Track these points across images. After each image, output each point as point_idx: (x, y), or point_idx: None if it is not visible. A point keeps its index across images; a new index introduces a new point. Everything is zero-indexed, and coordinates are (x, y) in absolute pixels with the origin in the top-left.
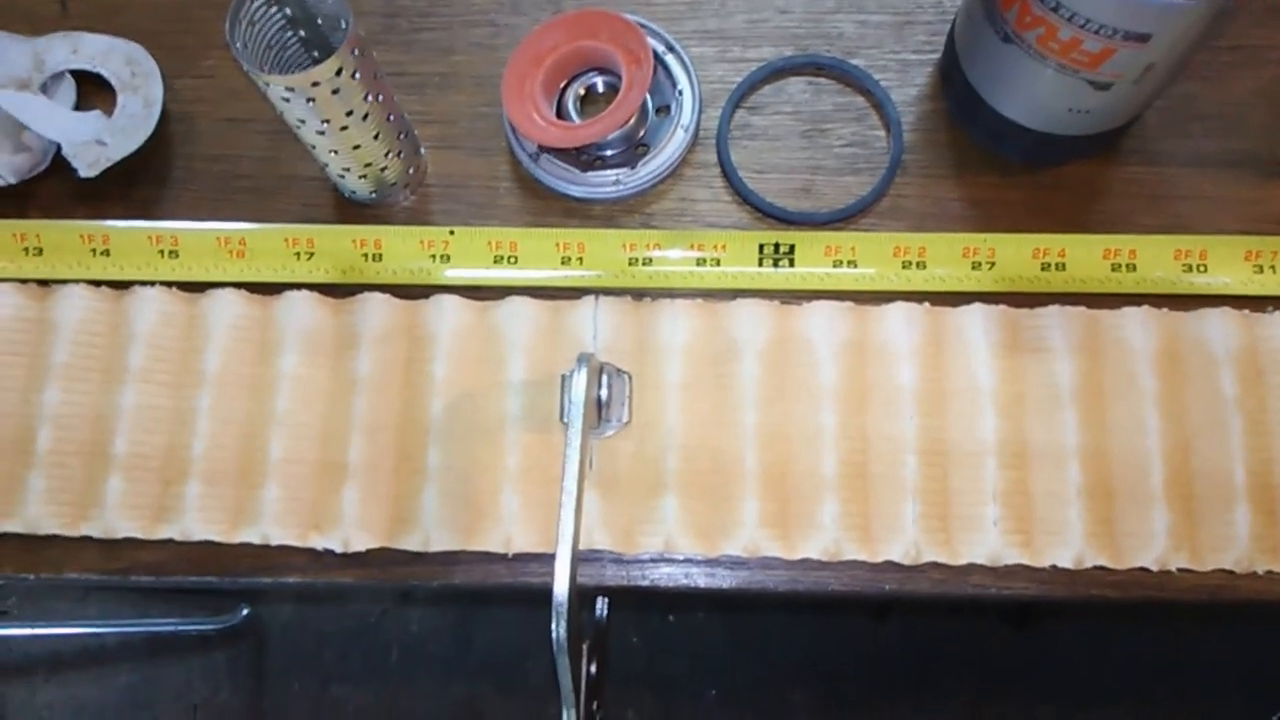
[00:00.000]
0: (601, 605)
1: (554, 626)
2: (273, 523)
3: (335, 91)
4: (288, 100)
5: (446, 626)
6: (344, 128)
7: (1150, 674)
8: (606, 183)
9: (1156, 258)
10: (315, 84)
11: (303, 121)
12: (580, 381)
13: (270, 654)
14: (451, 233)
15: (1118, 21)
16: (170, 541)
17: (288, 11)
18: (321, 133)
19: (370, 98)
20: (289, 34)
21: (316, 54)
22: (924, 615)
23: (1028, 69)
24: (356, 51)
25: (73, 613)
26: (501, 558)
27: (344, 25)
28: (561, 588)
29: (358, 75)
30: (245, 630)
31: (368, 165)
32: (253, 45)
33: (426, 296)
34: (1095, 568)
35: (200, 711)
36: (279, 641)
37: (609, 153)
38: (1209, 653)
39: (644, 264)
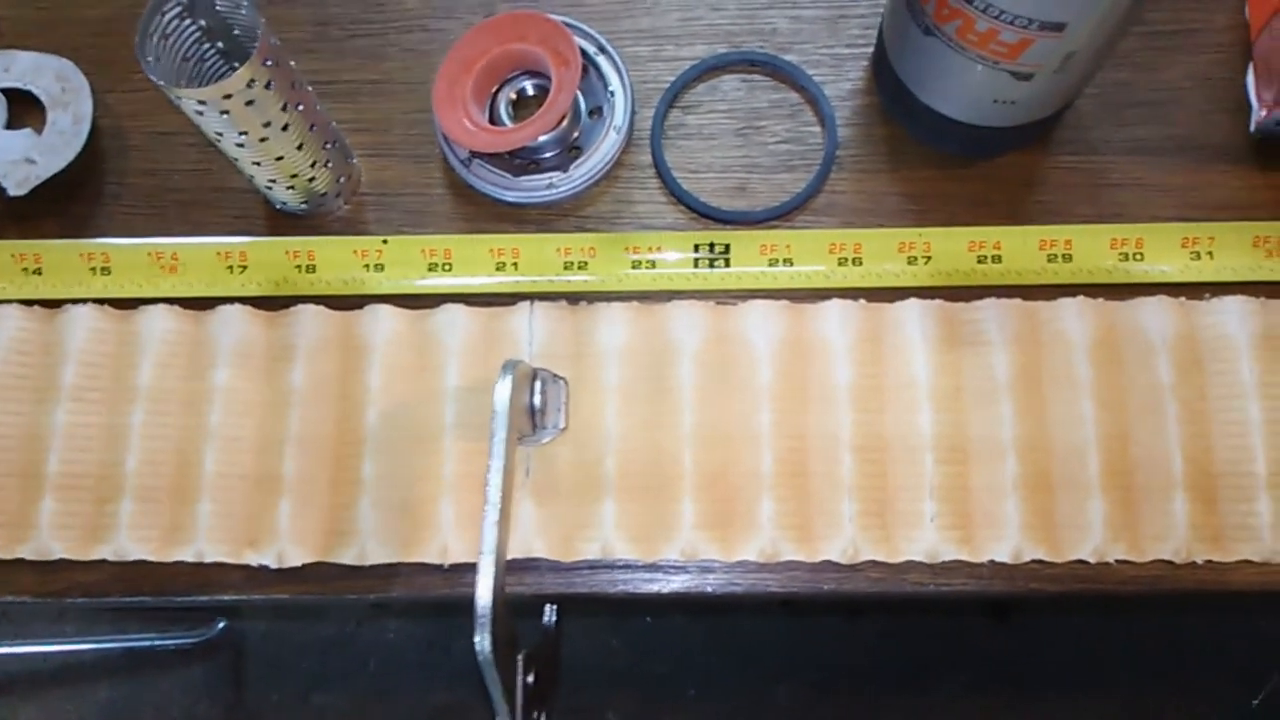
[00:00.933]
0: (550, 612)
1: (477, 638)
2: (206, 539)
3: (250, 103)
4: (201, 113)
5: (424, 634)
6: (263, 139)
7: (1132, 663)
8: (540, 187)
9: (1093, 247)
10: (227, 96)
11: (220, 134)
12: (504, 389)
13: (248, 665)
14: (385, 242)
15: (1032, 11)
16: (105, 562)
17: (203, 23)
18: (241, 145)
19: (289, 107)
20: (206, 46)
21: (236, 65)
22: (905, 611)
23: (950, 61)
24: (270, 61)
25: (49, 630)
26: (438, 569)
27: (257, 36)
28: (484, 599)
29: (273, 85)
30: (222, 643)
31: (294, 176)
32: (165, 59)
33: (361, 307)
34: (1033, 561)
35: None
36: (257, 653)
37: (542, 156)
38: (1191, 641)
39: (580, 268)
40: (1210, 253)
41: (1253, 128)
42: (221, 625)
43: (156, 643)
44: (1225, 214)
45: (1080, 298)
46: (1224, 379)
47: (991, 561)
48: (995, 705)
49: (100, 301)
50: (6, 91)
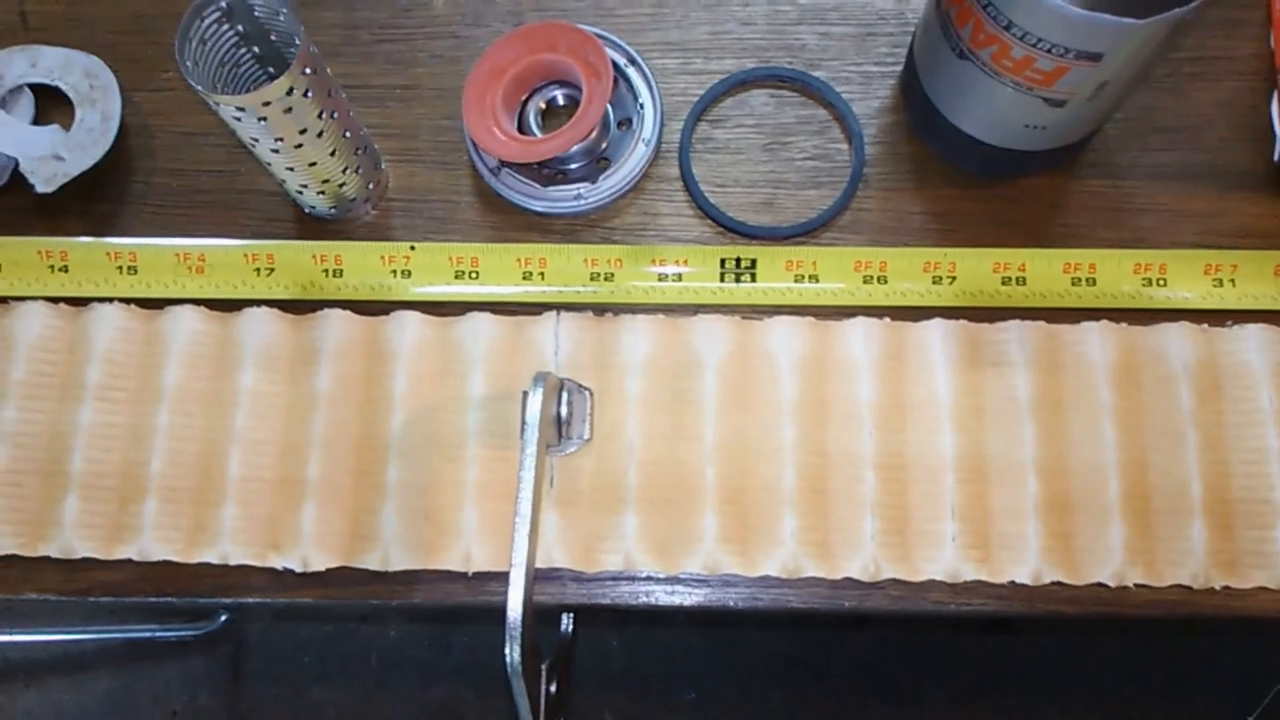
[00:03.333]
0: (567, 621)
1: (508, 650)
2: (231, 542)
3: (288, 110)
4: (239, 119)
5: (425, 630)
6: (299, 145)
7: (1125, 677)
8: (568, 197)
9: (1116, 272)
10: (266, 103)
11: (256, 140)
12: (535, 401)
13: (249, 659)
14: (412, 248)
15: (1069, 41)
16: (129, 561)
17: (240, 29)
18: (276, 150)
19: (325, 115)
20: (242, 51)
21: (272, 70)
22: (904, 620)
23: (983, 85)
24: (309, 70)
25: (51, 619)
26: (461, 576)
27: (296, 43)
28: (515, 612)
29: (310, 93)
30: (223, 636)
31: (325, 181)
32: (203, 64)
33: (387, 313)
34: (1053, 583)
35: (179, 717)
36: (257, 646)
37: (570, 167)
38: (1184, 656)
39: (606, 279)
40: (1233, 280)
41: (1277, 156)
42: (224, 618)
43: (157, 634)
44: (1247, 242)
45: (1103, 322)
46: (1243, 407)
47: (1011, 583)
48: (987, 716)
49: (126, 301)
50: (34, 87)
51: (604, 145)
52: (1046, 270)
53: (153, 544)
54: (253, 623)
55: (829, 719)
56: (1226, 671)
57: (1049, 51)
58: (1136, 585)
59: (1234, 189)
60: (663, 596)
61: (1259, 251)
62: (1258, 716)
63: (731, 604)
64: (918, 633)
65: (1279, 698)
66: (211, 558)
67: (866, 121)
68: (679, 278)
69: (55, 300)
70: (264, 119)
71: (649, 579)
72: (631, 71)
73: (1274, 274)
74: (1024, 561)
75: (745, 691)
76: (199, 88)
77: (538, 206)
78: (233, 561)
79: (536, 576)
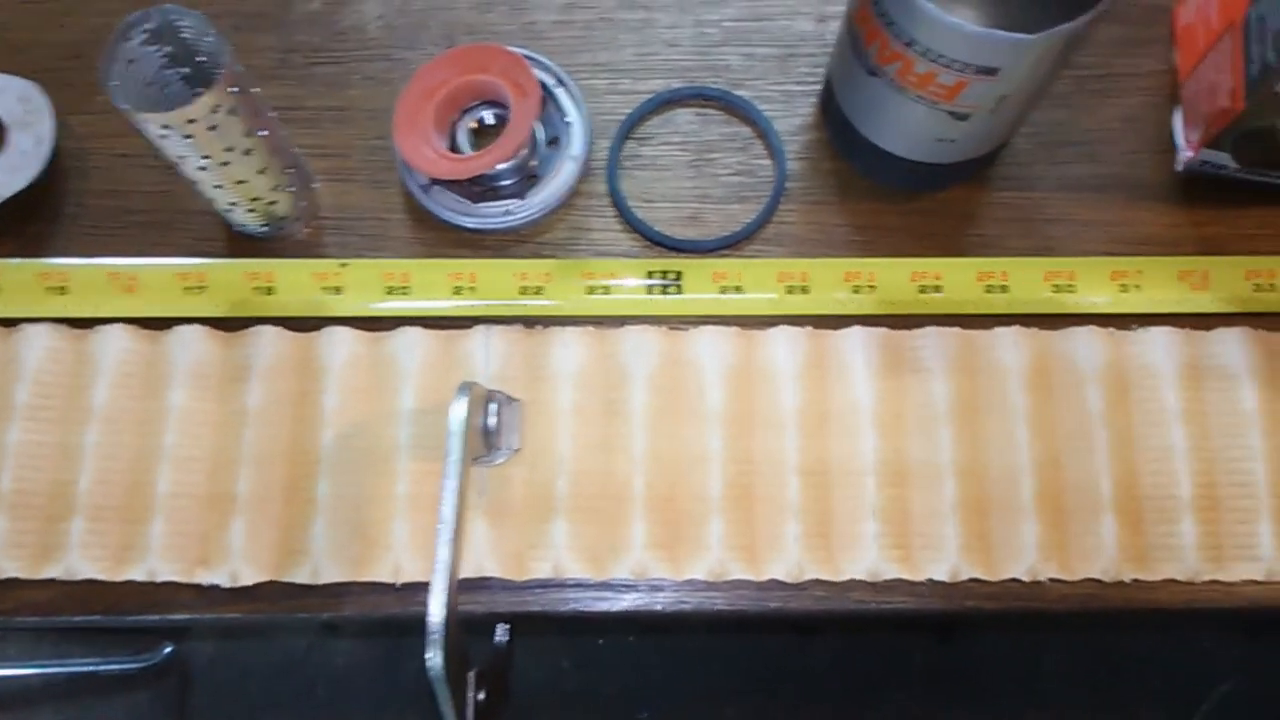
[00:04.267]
0: (502, 631)
1: (428, 654)
2: (159, 558)
3: (213, 128)
4: (165, 137)
5: (373, 658)
6: (225, 163)
7: (1074, 682)
8: (498, 213)
9: (1028, 279)
10: (191, 121)
11: (183, 158)
12: (460, 408)
13: (195, 691)
14: (344, 265)
15: (966, 56)
16: (55, 581)
17: (169, 49)
18: (203, 169)
19: (252, 133)
20: (170, 72)
21: (200, 90)
22: (852, 630)
23: (892, 101)
24: (235, 89)
25: None
26: (390, 588)
27: (222, 63)
28: (436, 616)
29: (236, 111)
30: (168, 668)
31: (255, 199)
32: (130, 83)
33: (319, 329)
34: (970, 580)
35: None
36: (203, 678)
37: (501, 184)
38: (1131, 660)
39: (535, 293)
40: (1138, 285)
41: (1179, 167)
42: (168, 650)
43: (101, 667)
44: (1152, 249)
45: (1016, 327)
46: (1149, 407)
47: (930, 580)
48: None
49: (56, 321)
50: None
51: (533, 162)
52: (962, 279)
53: (80, 562)
54: (198, 655)
55: None
56: (1171, 675)
57: (949, 67)
58: (1051, 580)
59: (1139, 199)
60: (591, 603)
61: (1163, 258)
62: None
63: (659, 608)
64: (868, 644)
65: (1222, 700)
66: (139, 575)
67: (788, 138)
68: (608, 290)
69: None
70: (190, 137)
71: (578, 585)
72: (560, 91)
73: (1177, 279)
74: (943, 560)
75: (699, 710)
76: (124, 106)
77: (469, 223)
78: (160, 578)
79: (467, 586)
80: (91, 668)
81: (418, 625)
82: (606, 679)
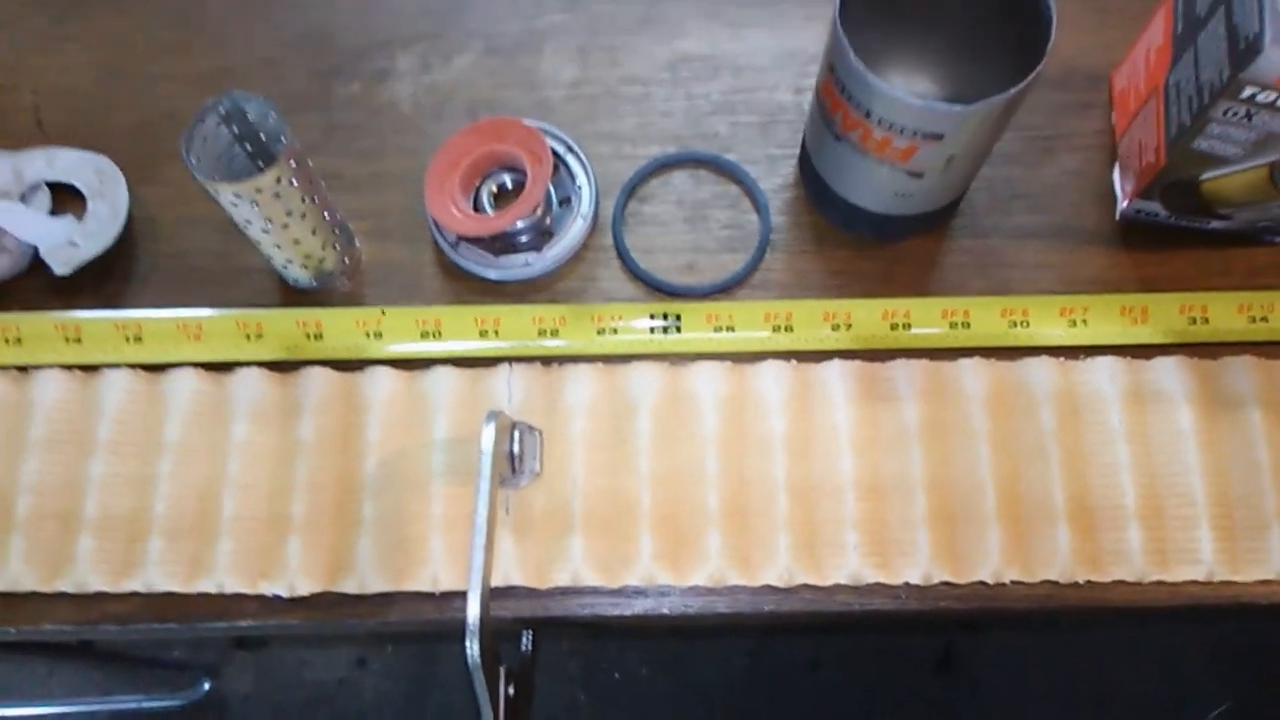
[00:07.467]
0: (526, 639)
1: (468, 645)
2: (226, 573)
3: (276, 196)
4: (235, 205)
5: (400, 693)
6: (285, 225)
7: (1066, 710)
8: (518, 265)
9: (987, 316)
10: (259, 190)
11: (249, 221)
12: (489, 433)
13: None
14: (383, 312)
15: (915, 124)
16: (135, 594)
17: (235, 129)
18: (266, 231)
19: (307, 199)
20: (236, 148)
21: (260, 163)
22: (855, 662)
23: (857, 162)
24: (293, 162)
25: (37, 692)
26: (430, 596)
27: (282, 140)
28: (474, 611)
29: (295, 182)
30: (206, 704)
31: (307, 257)
32: (204, 158)
33: (362, 369)
34: (941, 583)
35: None
36: (239, 714)
37: (520, 239)
38: (1123, 683)
39: (552, 334)
40: (1085, 320)
41: (1118, 216)
42: (206, 687)
43: (142, 704)
44: (1096, 288)
45: (977, 358)
46: (1097, 427)
47: (906, 583)
48: None
49: (133, 366)
50: (51, 184)
51: (548, 220)
52: (928, 316)
53: (157, 577)
54: (234, 692)
55: None
56: (1167, 699)
57: (901, 133)
58: (1012, 582)
59: (1084, 244)
60: (606, 608)
61: (1107, 295)
62: None
63: (667, 611)
64: (872, 676)
65: None
66: (209, 587)
67: (771, 195)
68: (615, 331)
69: (70, 368)
70: (256, 203)
71: (594, 592)
72: (570, 158)
73: (1120, 314)
74: (916, 565)
75: None
76: (202, 178)
77: (492, 274)
78: (228, 590)
79: (495, 594)
80: (132, 704)
81: (454, 631)
82: (621, 711)
